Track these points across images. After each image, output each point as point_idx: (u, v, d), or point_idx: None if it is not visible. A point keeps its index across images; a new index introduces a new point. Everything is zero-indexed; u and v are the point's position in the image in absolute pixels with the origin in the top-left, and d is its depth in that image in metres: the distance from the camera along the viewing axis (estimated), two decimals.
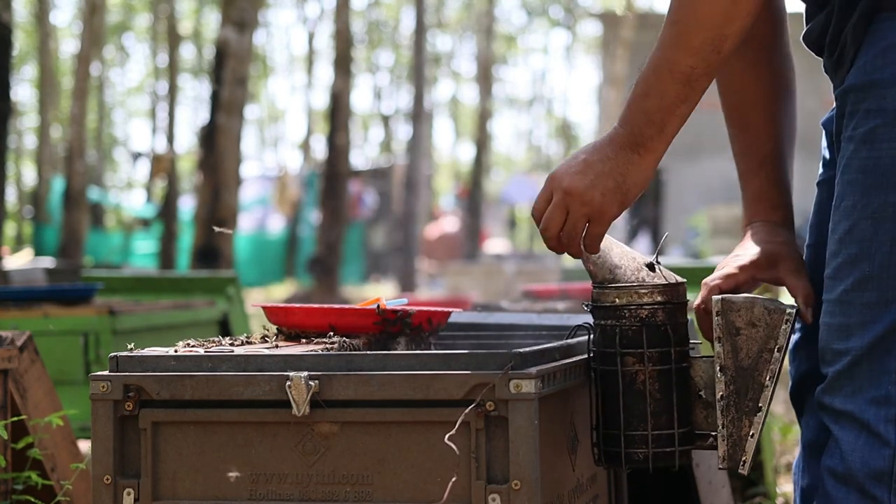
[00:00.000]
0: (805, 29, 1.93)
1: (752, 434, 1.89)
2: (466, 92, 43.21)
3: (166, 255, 17.96)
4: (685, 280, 1.95)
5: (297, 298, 15.63)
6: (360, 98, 53.11)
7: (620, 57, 19.90)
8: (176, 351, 1.89)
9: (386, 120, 37.89)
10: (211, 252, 9.62)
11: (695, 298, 1.98)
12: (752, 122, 2.08)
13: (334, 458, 1.78)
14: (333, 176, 14.14)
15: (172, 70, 20.59)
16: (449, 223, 25.48)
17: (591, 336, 1.93)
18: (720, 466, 1.91)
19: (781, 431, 4.91)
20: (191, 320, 4.23)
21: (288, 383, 1.76)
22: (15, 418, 2.53)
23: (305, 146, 28.34)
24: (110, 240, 24.66)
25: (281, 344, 2.07)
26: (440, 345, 2.19)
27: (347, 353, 1.85)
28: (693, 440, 1.93)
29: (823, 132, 2.05)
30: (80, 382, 3.65)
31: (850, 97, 1.79)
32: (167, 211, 18.68)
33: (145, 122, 44.10)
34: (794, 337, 2.05)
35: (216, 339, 2.06)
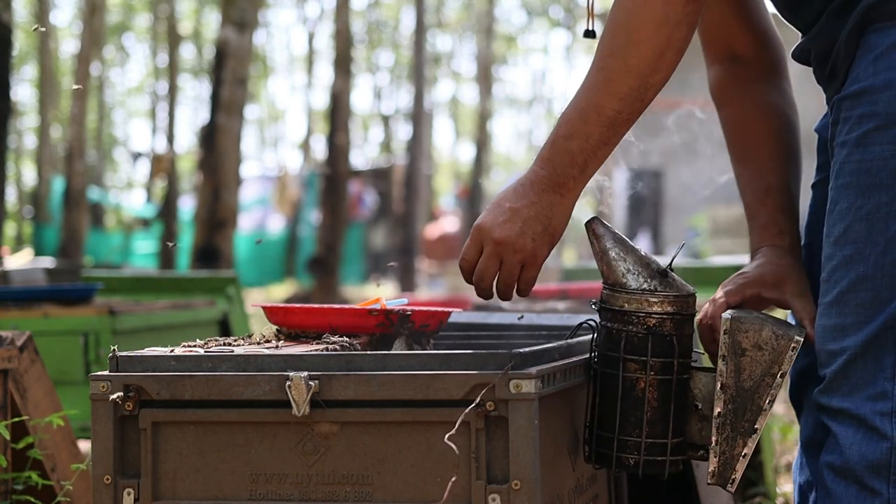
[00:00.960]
0: (795, 46, 1.97)
1: (745, 454, 1.88)
2: (466, 92, 43.23)
3: (166, 255, 17.96)
4: (695, 291, 1.94)
5: (297, 298, 15.63)
6: (360, 98, 53.11)
7: None
8: (173, 351, 1.89)
9: (386, 120, 37.88)
10: (211, 252, 9.62)
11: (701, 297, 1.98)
12: (756, 155, 2.13)
13: (334, 458, 1.78)
14: (333, 176, 14.14)
15: (172, 70, 20.60)
16: (449, 223, 25.48)
17: (595, 335, 1.93)
18: (709, 482, 1.91)
19: (781, 431, 4.91)
20: (191, 320, 4.23)
21: (288, 383, 1.76)
22: (16, 419, 2.53)
23: (305, 146, 28.34)
24: (110, 240, 24.66)
25: (281, 344, 2.07)
26: (440, 345, 2.19)
27: (347, 353, 1.85)
28: (685, 451, 1.93)
29: (817, 137, 2.09)
30: (80, 382, 3.65)
31: (844, 104, 1.84)
32: (167, 211, 18.69)
33: (145, 122, 44.10)
34: None
35: (215, 339, 2.06)
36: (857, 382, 1.80)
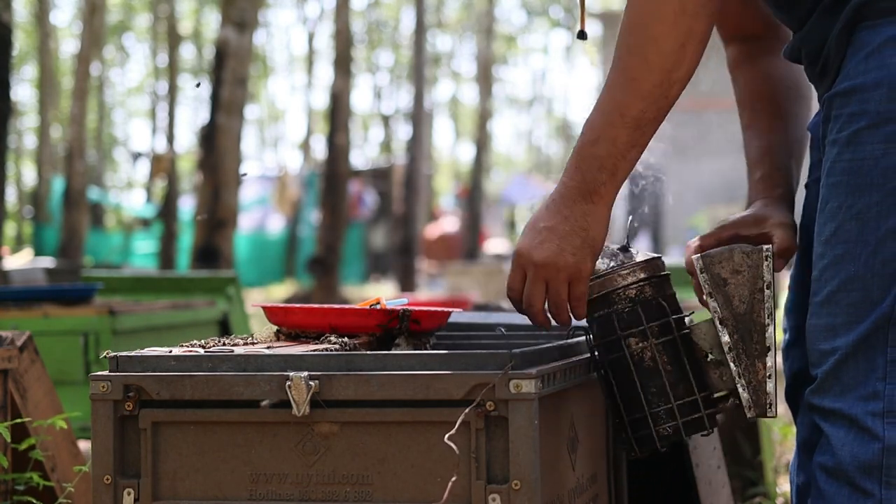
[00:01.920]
0: (787, 45, 1.97)
1: (769, 375, 1.92)
2: (466, 92, 43.25)
3: (166, 255, 17.96)
4: (660, 255, 1.98)
5: (297, 298, 15.63)
6: (360, 98, 53.12)
7: None
8: (171, 351, 1.89)
9: (386, 120, 37.89)
10: (211, 252, 9.62)
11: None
12: (759, 117, 2.13)
13: (334, 458, 1.78)
14: (333, 176, 14.14)
15: (172, 70, 20.60)
16: (449, 223, 25.49)
17: (589, 336, 1.94)
18: (749, 416, 1.93)
19: (781, 431, 4.91)
20: (191, 320, 4.23)
21: (288, 383, 1.76)
22: (17, 420, 2.53)
23: (305, 146, 28.35)
24: (110, 240, 24.68)
25: (281, 344, 2.07)
26: (440, 345, 2.19)
27: (347, 353, 1.85)
28: (716, 403, 1.95)
29: (809, 135, 2.09)
30: (80, 382, 3.65)
31: (835, 102, 1.83)
32: (167, 211, 18.69)
33: (145, 122, 44.09)
34: (785, 337, 2.10)
35: (213, 339, 2.06)
36: (849, 383, 1.80)
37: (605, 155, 1.84)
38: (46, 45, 21.77)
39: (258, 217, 25.17)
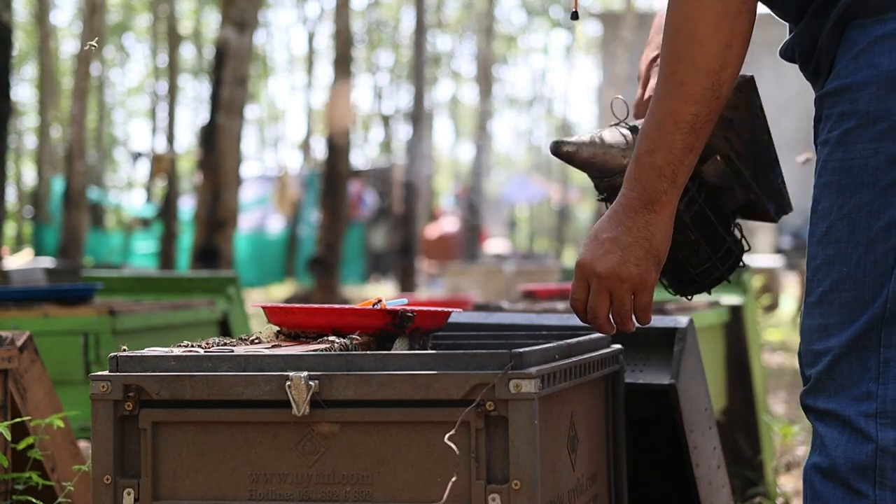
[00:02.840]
0: (783, 45, 1.97)
1: (782, 181, 2.14)
2: (466, 92, 43.24)
3: (166, 255, 17.95)
4: None
5: (297, 298, 15.63)
6: (360, 98, 53.05)
7: (620, 57, 19.89)
8: (171, 351, 1.89)
9: (386, 120, 37.88)
10: (211, 252, 9.62)
11: None
12: None
13: (334, 458, 1.78)
14: (333, 176, 14.14)
15: (172, 70, 20.58)
16: (449, 223, 25.48)
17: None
18: (777, 219, 2.19)
19: (781, 431, 4.91)
20: (191, 320, 4.23)
21: (288, 383, 1.76)
22: (17, 419, 2.53)
23: (305, 146, 28.34)
24: (110, 240, 24.67)
25: (281, 344, 2.07)
26: (440, 345, 2.19)
27: (347, 353, 1.85)
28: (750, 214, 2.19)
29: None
30: (80, 382, 3.65)
31: (825, 102, 1.83)
32: (167, 211, 18.68)
33: (145, 122, 44.09)
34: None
35: (210, 340, 2.06)
36: (842, 383, 1.80)
37: (663, 163, 1.85)
38: (46, 45, 21.76)
39: (258, 217, 25.16)
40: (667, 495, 2.50)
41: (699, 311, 3.58)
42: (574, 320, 2.43)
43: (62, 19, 41.04)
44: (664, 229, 1.87)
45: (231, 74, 9.76)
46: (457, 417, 1.71)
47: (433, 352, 1.89)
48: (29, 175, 32.30)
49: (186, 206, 22.21)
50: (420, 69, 19.13)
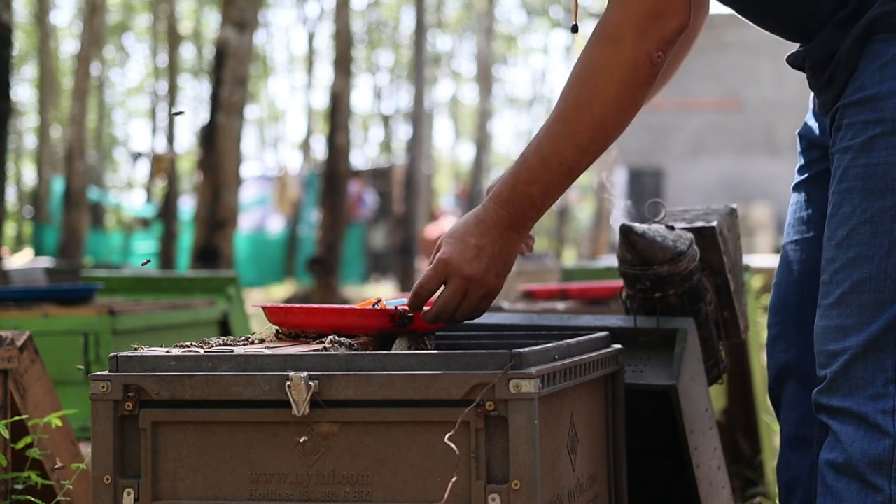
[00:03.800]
0: (792, 53, 2.03)
1: (746, 304, 2.57)
2: (466, 92, 43.23)
3: (166, 255, 17.95)
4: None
5: (297, 298, 15.62)
6: (360, 98, 53.11)
7: None
8: (168, 351, 1.89)
9: (386, 120, 37.88)
10: (211, 252, 9.62)
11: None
12: None
13: (334, 458, 1.78)
14: (333, 176, 14.13)
15: (172, 70, 20.58)
16: (449, 223, 25.46)
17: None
18: (742, 337, 2.56)
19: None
20: (191, 320, 4.23)
21: (288, 383, 1.76)
22: (16, 418, 2.53)
23: (305, 146, 28.34)
24: (110, 240, 24.67)
25: (281, 344, 2.07)
26: (440, 345, 2.19)
27: (347, 353, 1.85)
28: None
29: (798, 140, 2.14)
30: (80, 382, 3.65)
31: (848, 111, 1.88)
32: (167, 211, 18.68)
33: (145, 122, 44.09)
34: (770, 332, 2.14)
35: (208, 340, 2.06)
36: (858, 383, 1.82)
37: (537, 195, 1.96)
38: (46, 45, 21.76)
39: (258, 217, 25.15)
40: (667, 496, 2.50)
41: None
42: (574, 320, 2.43)
43: (62, 19, 41.07)
44: (519, 248, 2.01)
45: (231, 74, 9.76)
46: (457, 417, 1.71)
47: (433, 352, 1.89)
48: (29, 175, 32.30)
49: (186, 206, 22.21)
50: (420, 69, 19.14)
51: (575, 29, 2.18)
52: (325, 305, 2.14)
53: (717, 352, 2.51)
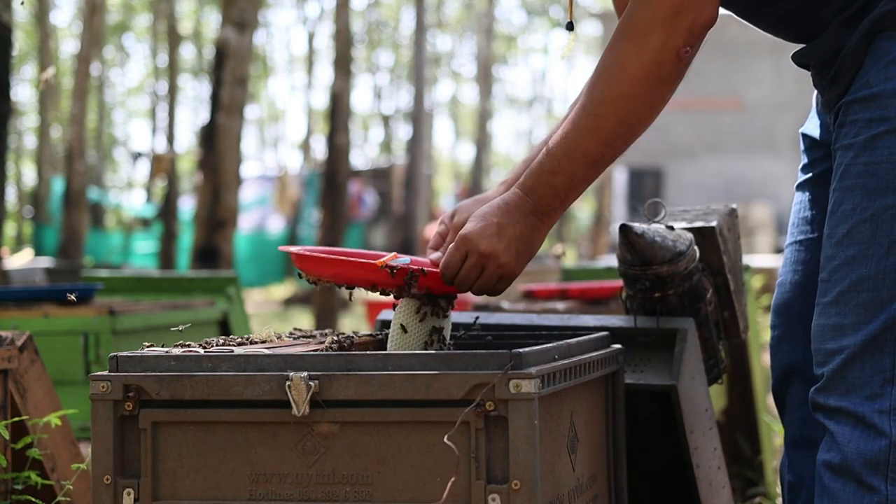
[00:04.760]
0: (795, 51, 2.02)
1: (746, 304, 2.59)
2: (466, 92, 43.24)
3: (166, 255, 17.94)
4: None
5: (297, 298, 15.63)
6: (360, 98, 53.10)
7: None
8: (168, 351, 1.89)
9: (386, 120, 37.89)
10: (211, 252, 9.62)
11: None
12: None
13: (334, 458, 1.78)
14: (333, 176, 14.13)
15: (172, 70, 20.58)
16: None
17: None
18: (742, 337, 2.58)
19: (781, 432, 4.92)
20: (191, 320, 4.23)
21: (288, 383, 1.76)
22: (16, 419, 2.53)
23: (305, 146, 28.33)
24: (110, 240, 24.66)
25: (281, 344, 2.07)
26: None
27: (347, 353, 1.85)
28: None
29: (801, 138, 2.13)
30: (80, 382, 3.65)
31: (852, 108, 1.86)
32: (167, 211, 18.67)
33: (145, 122, 44.10)
34: (774, 333, 2.13)
35: (207, 340, 2.06)
36: (855, 382, 1.82)
37: (560, 186, 1.96)
38: (46, 45, 21.76)
39: (258, 217, 25.16)
40: (667, 496, 2.50)
41: None
42: (574, 320, 2.43)
43: (62, 19, 41.04)
44: (543, 237, 2.00)
45: (231, 74, 9.75)
46: (457, 417, 1.71)
47: (433, 352, 1.89)
48: (29, 175, 32.31)
49: (186, 206, 22.20)
50: (420, 69, 19.14)
51: (570, 27, 2.18)
52: (339, 256, 2.10)
53: (717, 352, 2.50)
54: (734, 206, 2.58)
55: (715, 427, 2.49)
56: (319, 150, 26.61)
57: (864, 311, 1.81)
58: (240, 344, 2.05)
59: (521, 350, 1.75)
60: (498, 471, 1.73)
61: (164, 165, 20.42)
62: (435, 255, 2.11)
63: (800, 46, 2.01)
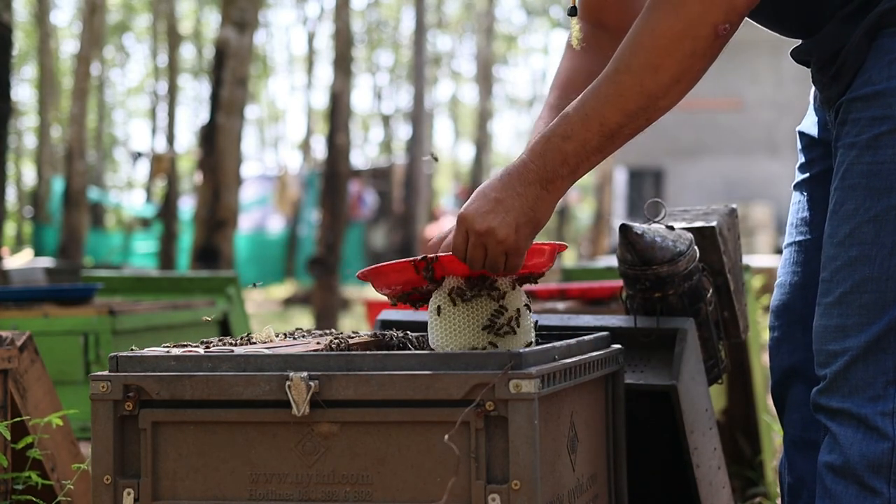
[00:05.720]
0: (794, 48, 1.98)
1: (746, 304, 2.62)
2: (466, 92, 43.23)
3: (166, 255, 17.94)
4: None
5: (297, 299, 15.62)
6: (360, 98, 53.11)
7: None
8: (168, 351, 1.88)
9: (386, 120, 37.89)
10: (211, 252, 9.62)
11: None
12: (566, 104, 2.02)
13: (334, 458, 1.78)
14: (333, 176, 14.13)
15: (172, 70, 20.57)
16: (449, 223, 25.45)
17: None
18: (742, 337, 2.62)
19: (781, 432, 4.91)
20: (191, 320, 4.23)
21: (288, 383, 1.76)
22: (16, 419, 2.53)
23: (305, 146, 28.33)
24: (110, 240, 24.65)
25: (281, 344, 2.07)
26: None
27: (347, 353, 1.85)
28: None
29: (798, 137, 2.10)
30: (80, 382, 3.65)
31: (854, 106, 1.83)
32: (167, 211, 18.67)
33: (145, 122, 44.09)
34: (773, 335, 2.11)
35: (206, 341, 2.06)
36: (858, 384, 1.80)
37: (571, 152, 1.85)
38: (46, 45, 21.76)
39: (258, 217, 25.15)
40: (667, 496, 2.50)
41: None
42: (574, 320, 2.43)
43: (62, 19, 41.05)
44: (550, 207, 1.89)
45: (231, 74, 9.75)
46: (457, 417, 1.71)
47: (433, 352, 1.89)
48: (29, 175, 32.30)
49: (186, 206, 22.20)
50: (420, 69, 19.14)
51: (573, 12, 2.13)
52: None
53: (717, 352, 2.50)
54: (734, 206, 2.58)
55: (715, 427, 2.49)
56: (319, 150, 26.61)
57: (867, 312, 1.80)
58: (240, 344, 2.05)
59: (521, 350, 1.75)
60: (498, 471, 1.73)
61: (164, 165, 20.41)
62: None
63: (799, 42, 1.99)
